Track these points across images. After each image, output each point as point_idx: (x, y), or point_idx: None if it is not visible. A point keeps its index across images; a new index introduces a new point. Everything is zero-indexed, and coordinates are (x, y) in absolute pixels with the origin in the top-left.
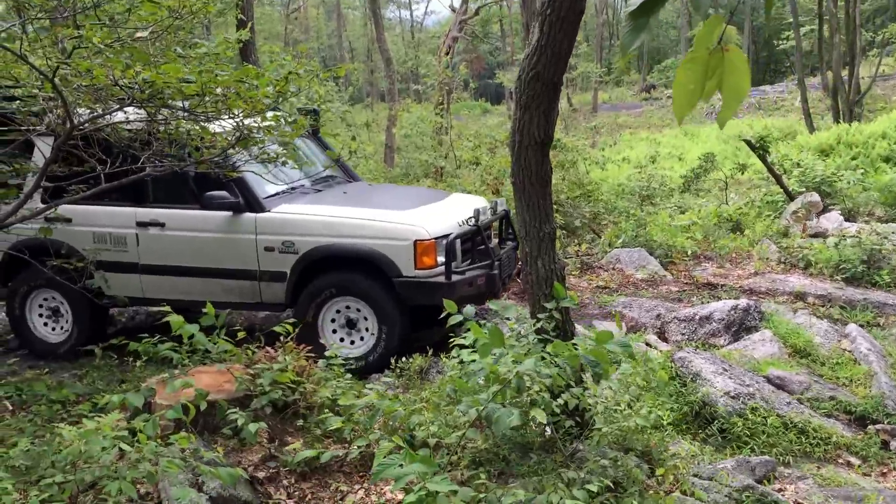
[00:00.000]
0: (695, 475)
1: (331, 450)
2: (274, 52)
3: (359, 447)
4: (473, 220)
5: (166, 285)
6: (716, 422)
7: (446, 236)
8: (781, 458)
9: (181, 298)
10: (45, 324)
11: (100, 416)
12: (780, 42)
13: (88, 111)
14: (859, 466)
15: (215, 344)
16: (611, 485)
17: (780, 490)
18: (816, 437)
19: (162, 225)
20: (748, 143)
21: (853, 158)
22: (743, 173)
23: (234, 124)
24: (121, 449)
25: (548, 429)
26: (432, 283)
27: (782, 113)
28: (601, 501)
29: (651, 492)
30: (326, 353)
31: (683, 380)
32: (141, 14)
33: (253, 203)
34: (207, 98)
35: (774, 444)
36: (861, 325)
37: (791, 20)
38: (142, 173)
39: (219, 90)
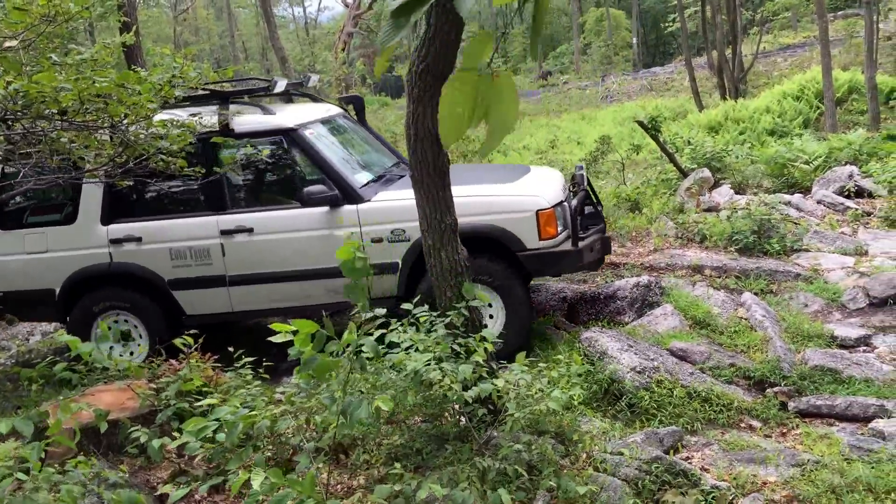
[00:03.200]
0: (607, 451)
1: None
2: (155, 54)
3: (231, 471)
4: (577, 184)
5: (260, 295)
6: (624, 397)
7: (560, 203)
8: (688, 427)
9: (278, 307)
10: (120, 354)
11: None
12: (668, 24)
13: None
14: (761, 429)
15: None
16: (523, 471)
17: (687, 458)
18: (719, 403)
19: (250, 230)
20: (641, 124)
21: (740, 133)
22: (638, 154)
23: (117, 132)
24: (18, 479)
25: (462, 418)
26: (559, 253)
27: (672, 93)
28: (517, 486)
29: (566, 471)
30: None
31: (591, 359)
32: (10, 22)
33: (351, 194)
34: (87, 106)
35: (680, 415)
36: (755, 293)
37: (676, 3)
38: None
39: (98, 97)
